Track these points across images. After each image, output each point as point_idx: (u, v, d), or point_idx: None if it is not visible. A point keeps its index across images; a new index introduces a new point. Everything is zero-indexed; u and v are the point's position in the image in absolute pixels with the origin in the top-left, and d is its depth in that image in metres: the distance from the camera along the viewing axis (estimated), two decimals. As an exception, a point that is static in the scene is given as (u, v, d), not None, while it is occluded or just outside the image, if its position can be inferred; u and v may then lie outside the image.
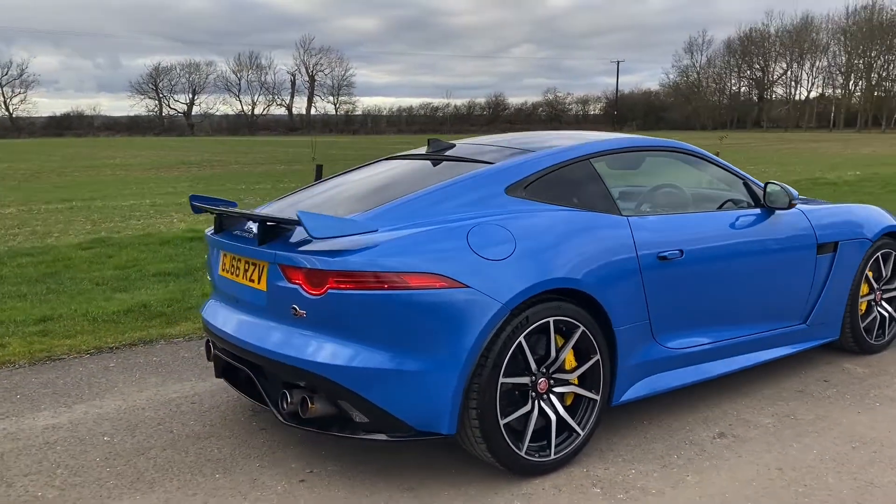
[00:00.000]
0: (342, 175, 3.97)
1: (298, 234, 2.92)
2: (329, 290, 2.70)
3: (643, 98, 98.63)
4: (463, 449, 2.96)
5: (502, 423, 2.80)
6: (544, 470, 2.93)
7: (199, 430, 3.39)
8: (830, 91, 76.74)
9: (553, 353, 2.94)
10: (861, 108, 71.00)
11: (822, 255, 4.06)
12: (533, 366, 2.89)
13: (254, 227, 3.06)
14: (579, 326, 2.98)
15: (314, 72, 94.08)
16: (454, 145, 3.77)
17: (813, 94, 77.43)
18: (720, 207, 3.90)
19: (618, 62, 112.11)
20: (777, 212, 3.88)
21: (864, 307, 4.37)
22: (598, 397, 3.07)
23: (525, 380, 2.89)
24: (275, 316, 2.93)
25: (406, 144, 32.98)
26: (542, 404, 2.93)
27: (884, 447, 3.16)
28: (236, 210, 3.32)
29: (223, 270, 3.30)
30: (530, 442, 2.90)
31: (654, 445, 3.20)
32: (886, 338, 4.48)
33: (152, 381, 4.04)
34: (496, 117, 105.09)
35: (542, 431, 2.95)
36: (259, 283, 2.99)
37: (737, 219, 3.73)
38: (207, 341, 3.48)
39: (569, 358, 3.01)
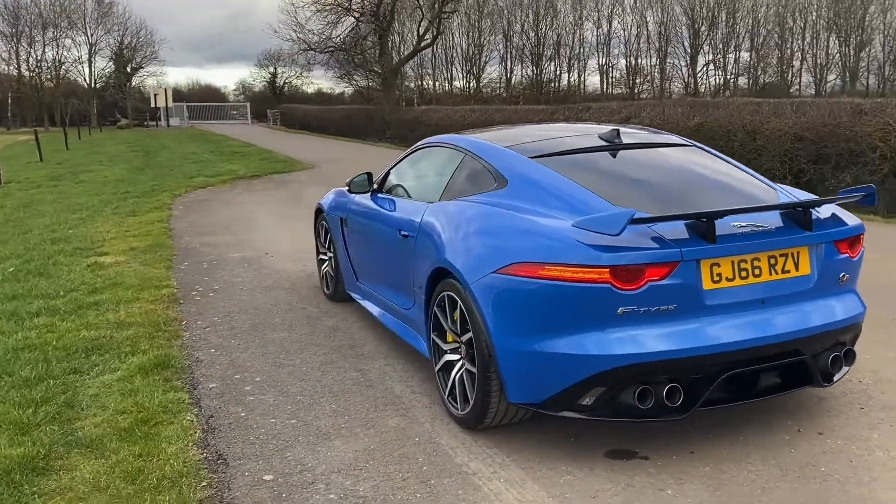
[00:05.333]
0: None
1: (821, 210, 3.33)
2: (861, 249, 3.38)
3: None
4: None
5: None
6: None
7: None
8: None
9: None
10: None
11: None
12: None
13: (777, 217, 3.20)
14: None
15: None
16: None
17: None
18: None
19: None
20: None
21: None
22: None
23: None
24: (820, 293, 3.22)
25: None
26: None
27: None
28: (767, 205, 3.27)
29: (720, 281, 3.04)
30: None
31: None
32: None
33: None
34: None
35: None
36: (798, 269, 3.17)
37: None
38: (671, 383, 2.93)
39: None
